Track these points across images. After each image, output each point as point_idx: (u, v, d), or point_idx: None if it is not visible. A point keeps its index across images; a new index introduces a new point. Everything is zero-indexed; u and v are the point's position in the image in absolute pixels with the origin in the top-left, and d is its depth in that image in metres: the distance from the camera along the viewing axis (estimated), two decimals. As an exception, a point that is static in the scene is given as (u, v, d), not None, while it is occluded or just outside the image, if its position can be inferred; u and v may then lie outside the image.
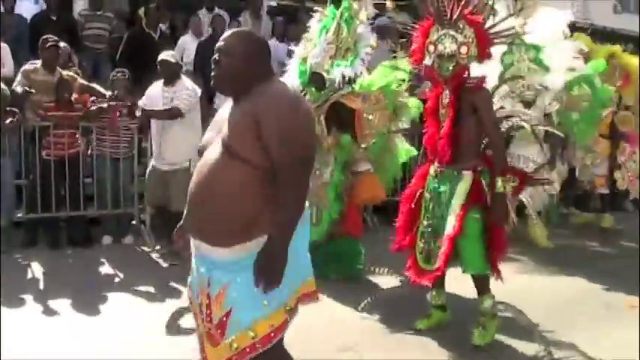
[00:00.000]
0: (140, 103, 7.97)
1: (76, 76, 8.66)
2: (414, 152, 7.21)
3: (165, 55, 7.75)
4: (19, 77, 8.38)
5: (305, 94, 7.01)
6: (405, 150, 7.30)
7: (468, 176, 5.22)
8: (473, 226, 5.18)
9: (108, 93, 8.46)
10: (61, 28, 9.98)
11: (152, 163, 7.90)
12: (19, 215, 8.21)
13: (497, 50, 7.29)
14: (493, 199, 5.15)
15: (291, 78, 7.10)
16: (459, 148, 5.22)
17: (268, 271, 3.17)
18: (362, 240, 7.19)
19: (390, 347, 5.33)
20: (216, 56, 3.36)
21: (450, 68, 5.19)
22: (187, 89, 7.61)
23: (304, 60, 7.06)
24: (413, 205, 5.50)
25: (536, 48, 7.73)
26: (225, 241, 3.24)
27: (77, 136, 8.23)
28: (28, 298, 6.34)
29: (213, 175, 3.24)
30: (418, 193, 5.49)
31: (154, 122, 7.89)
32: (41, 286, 6.80)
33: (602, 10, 19.20)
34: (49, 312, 6.03)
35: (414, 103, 7.12)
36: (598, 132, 9.25)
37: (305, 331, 5.25)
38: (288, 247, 3.20)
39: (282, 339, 3.37)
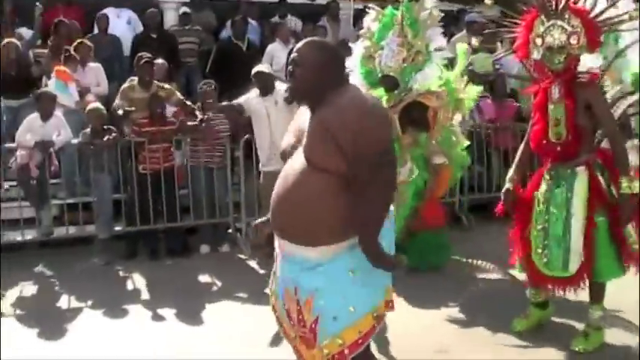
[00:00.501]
0: (240, 102, 7.97)
1: (173, 89, 8.84)
2: (466, 143, 7.39)
3: (259, 67, 7.88)
4: (118, 96, 8.63)
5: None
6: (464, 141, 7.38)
7: (582, 173, 4.95)
8: (602, 230, 4.93)
9: (196, 106, 8.63)
10: (161, 45, 10.32)
11: (264, 169, 7.83)
12: (118, 228, 8.45)
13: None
14: (620, 201, 4.87)
15: (354, 78, 7.03)
16: (577, 145, 4.97)
17: (379, 265, 3.23)
18: (457, 238, 7.15)
19: (486, 349, 5.23)
20: (290, 68, 3.38)
21: (562, 60, 4.91)
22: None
23: (367, 59, 7.04)
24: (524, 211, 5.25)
25: None
26: (312, 240, 3.28)
27: (171, 149, 8.42)
28: (131, 308, 6.52)
29: (297, 185, 3.29)
30: (528, 198, 5.23)
31: (259, 127, 7.90)
32: (143, 296, 6.97)
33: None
34: (152, 321, 6.19)
35: (472, 95, 7.13)
36: None
37: (401, 333, 5.29)
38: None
39: (369, 344, 3.40)
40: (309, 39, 3.55)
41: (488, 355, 5.12)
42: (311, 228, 3.26)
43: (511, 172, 5.42)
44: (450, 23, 9.73)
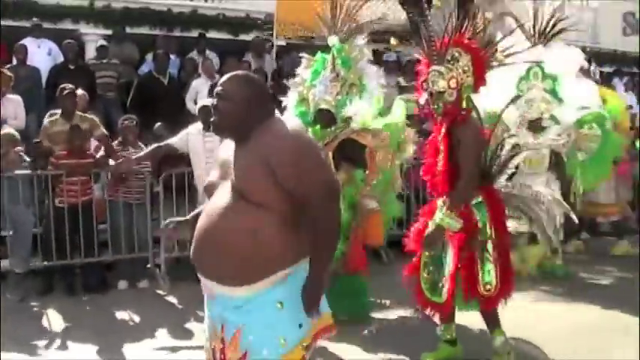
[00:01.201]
0: (173, 142, 7.96)
1: (97, 121, 8.71)
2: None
3: (204, 101, 7.90)
4: (40, 134, 8.47)
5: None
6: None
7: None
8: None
9: (117, 141, 8.56)
10: (79, 77, 10.15)
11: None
12: (34, 263, 8.23)
13: (514, 74, 7.34)
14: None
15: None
16: (455, 182, 5.16)
17: (316, 298, 3.25)
18: (375, 274, 7.15)
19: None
20: (214, 101, 3.41)
21: (440, 105, 5.16)
22: None
23: (301, 103, 7.09)
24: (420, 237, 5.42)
25: (553, 78, 7.77)
26: (240, 280, 3.25)
27: (90, 183, 8.30)
28: (46, 345, 6.37)
29: (226, 220, 3.24)
30: (425, 224, 5.41)
31: (197, 163, 7.95)
32: (59, 333, 6.79)
33: (612, 33, 19.34)
34: (69, 356, 6.08)
35: (413, 138, 7.09)
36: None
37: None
38: (301, 284, 3.25)
39: None
40: (233, 73, 3.55)
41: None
42: (239, 267, 3.22)
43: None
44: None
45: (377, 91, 7.09)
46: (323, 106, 6.87)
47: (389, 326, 6.75)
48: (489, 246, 5.18)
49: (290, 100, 7.25)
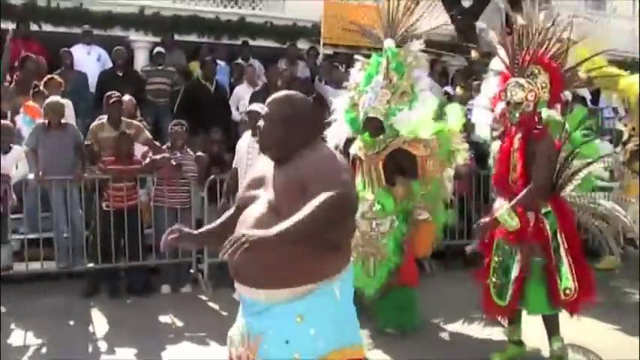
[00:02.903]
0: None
1: (142, 127, 8.86)
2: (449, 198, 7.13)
3: (252, 106, 7.93)
4: (88, 135, 8.64)
5: (351, 141, 6.99)
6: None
7: (531, 217, 5.40)
8: (534, 269, 5.41)
9: (165, 146, 8.65)
10: (127, 83, 10.33)
11: None
12: (80, 265, 8.40)
13: None
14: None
15: (338, 130, 7.06)
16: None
17: (253, 242, 2.95)
18: (419, 286, 7.10)
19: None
20: (260, 122, 3.43)
21: (517, 115, 5.41)
22: None
23: (352, 108, 6.97)
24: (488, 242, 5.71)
25: None
26: (262, 282, 3.24)
27: (136, 188, 8.41)
28: (89, 346, 6.48)
29: (260, 227, 3.13)
30: (492, 232, 5.65)
31: (239, 165, 7.94)
32: (102, 334, 6.88)
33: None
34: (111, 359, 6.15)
35: (464, 147, 6.93)
36: None
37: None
38: (333, 304, 3.26)
39: None
40: (280, 93, 3.56)
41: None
42: (263, 270, 3.19)
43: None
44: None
45: (429, 100, 6.90)
46: (371, 114, 6.70)
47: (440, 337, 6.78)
48: (562, 252, 5.40)
49: (341, 104, 7.15)
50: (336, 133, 7.11)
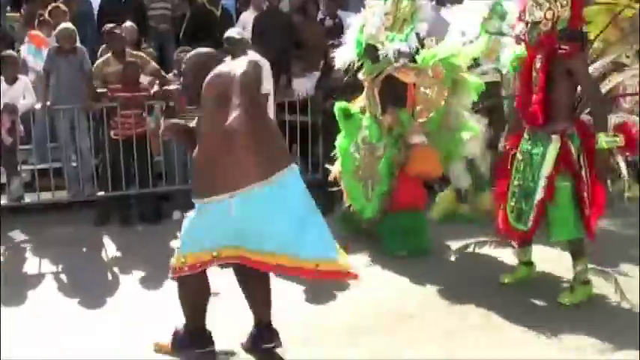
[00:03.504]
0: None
1: (147, 57, 8.77)
2: (477, 130, 6.98)
3: (230, 32, 7.83)
4: (94, 70, 8.49)
5: (361, 65, 6.97)
6: (469, 126, 6.91)
7: (556, 140, 5.28)
8: (563, 194, 5.31)
9: (172, 73, 8.56)
10: (130, 10, 10.14)
11: None
12: (90, 194, 8.46)
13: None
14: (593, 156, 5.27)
15: (347, 47, 7.03)
16: (550, 112, 5.29)
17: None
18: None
19: (451, 316, 5.37)
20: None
21: (535, 35, 5.27)
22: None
23: (362, 28, 6.91)
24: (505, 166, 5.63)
25: None
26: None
27: (144, 116, 8.37)
28: (102, 274, 6.58)
29: None
30: (511, 155, 5.60)
31: None
32: (114, 262, 6.98)
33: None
34: (122, 287, 6.23)
35: (474, 83, 6.69)
36: None
37: (366, 300, 5.34)
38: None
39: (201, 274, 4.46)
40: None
41: (452, 322, 5.23)
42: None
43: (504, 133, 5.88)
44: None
45: (424, 31, 6.77)
46: (371, 41, 6.77)
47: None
48: (584, 174, 5.31)
49: (355, 22, 7.09)
50: (342, 54, 7.10)
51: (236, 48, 7.51)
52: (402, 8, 6.74)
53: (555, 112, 5.28)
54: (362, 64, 6.99)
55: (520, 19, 5.47)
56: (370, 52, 6.80)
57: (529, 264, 5.94)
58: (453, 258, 6.73)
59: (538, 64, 5.29)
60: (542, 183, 5.30)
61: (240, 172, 4.12)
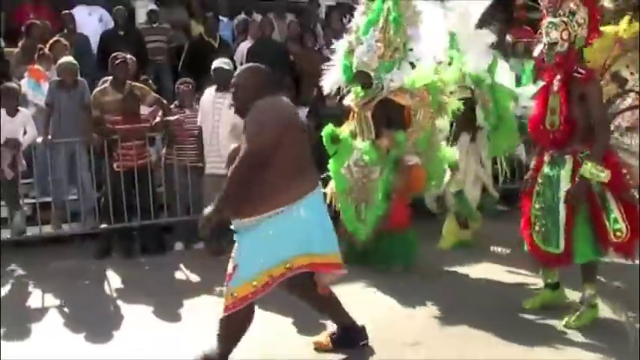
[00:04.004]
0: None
1: (147, 88, 8.79)
2: (454, 158, 7.38)
3: (218, 63, 7.90)
4: (92, 101, 8.50)
5: (349, 91, 7.14)
6: (447, 155, 7.34)
7: (569, 161, 5.31)
8: (580, 215, 5.29)
9: (172, 105, 8.61)
10: (129, 43, 10.20)
11: (208, 169, 8.07)
12: (93, 226, 8.46)
13: None
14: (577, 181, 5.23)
15: (335, 73, 7.18)
16: (567, 134, 5.31)
17: (207, 218, 4.53)
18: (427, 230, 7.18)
19: (455, 341, 5.35)
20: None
21: (552, 55, 5.30)
22: None
23: (349, 54, 7.06)
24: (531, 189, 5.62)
25: None
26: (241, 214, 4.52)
27: (146, 147, 8.40)
28: (105, 306, 6.56)
29: None
30: (533, 178, 5.61)
31: (205, 123, 8.09)
32: (118, 294, 6.96)
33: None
34: (127, 318, 6.19)
35: (454, 104, 7.08)
36: None
37: (372, 328, 5.33)
38: (298, 221, 4.46)
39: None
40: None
41: (456, 347, 5.23)
42: (235, 209, 4.53)
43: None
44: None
45: (419, 59, 7.11)
46: (362, 68, 6.90)
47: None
48: (607, 195, 5.28)
49: (340, 46, 7.24)
50: (330, 79, 7.28)
51: (223, 79, 7.57)
52: (392, 38, 6.90)
53: (571, 134, 5.30)
54: (348, 90, 7.17)
55: (539, 40, 5.50)
56: (361, 77, 6.95)
57: (555, 286, 5.86)
58: (456, 282, 6.76)
59: (556, 86, 5.33)
60: (562, 205, 5.29)
61: (303, 182, 4.56)
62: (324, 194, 5.52)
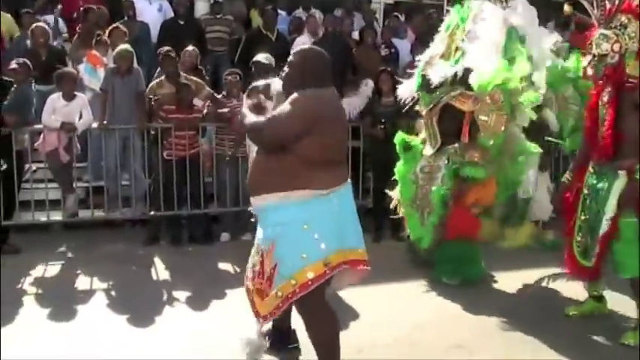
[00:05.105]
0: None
1: (202, 82, 8.86)
2: (535, 151, 6.75)
3: (258, 57, 7.91)
4: (147, 91, 8.62)
5: (419, 98, 6.97)
6: (526, 149, 6.72)
7: (622, 175, 5.20)
8: (628, 230, 5.17)
9: (220, 95, 8.68)
10: (189, 33, 10.31)
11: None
12: (143, 213, 8.60)
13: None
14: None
15: (407, 85, 7.11)
16: (618, 147, 5.20)
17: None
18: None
19: (501, 347, 5.30)
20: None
21: (601, 68, 5.22)
22: None
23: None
24: (572, 200, 5.56)
25: None
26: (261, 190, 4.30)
27: (197, 137, 8.48)
28: (150, 292, 6.65)
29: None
30: (576, 188, 5.54)
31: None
32: (163, 281, 7.05)
33: None
34: (170, 306, 6.28)
35: (529, 97, 6.41)
36: None
37: (417, 328, 5.32)
38: (334, 213, 4.25)
39: (322, 291, 4.29)
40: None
41: (501, 353, 5.17)
42: (256, 180, 4.36)
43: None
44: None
45: (472, 58, 6.53)
46: (424, 71, 6.77)
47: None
48: None
49: (425, 54, 6.99)
50: (403, 88, 7.19)
51: (263, 73, 7.53)
52: (457, 35, 6.72)
53: (623, 147, 5.19)
54: (419, 97, 7.00)
55: (588, 51, 5.39)
56: (425, 82, 6.76)
57: (599, 298, 5.83)
58: (512, 288, 6.69)
59: (605, 98, 5.24)
60: (606, 218, 5.20)
61: (335, 172, 4.37)
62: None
